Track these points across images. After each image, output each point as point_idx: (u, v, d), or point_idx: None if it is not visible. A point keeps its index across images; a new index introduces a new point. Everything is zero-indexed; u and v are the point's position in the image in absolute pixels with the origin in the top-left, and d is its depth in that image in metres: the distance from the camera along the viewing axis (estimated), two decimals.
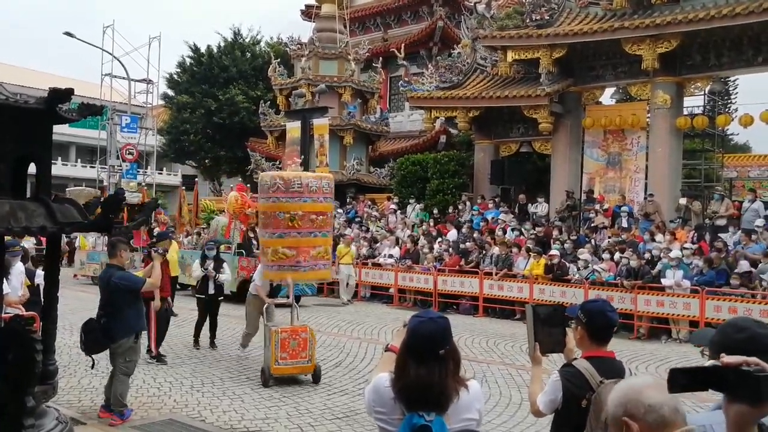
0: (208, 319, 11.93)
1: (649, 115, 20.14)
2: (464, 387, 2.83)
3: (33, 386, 3.38)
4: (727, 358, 1.70)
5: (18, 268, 9.36)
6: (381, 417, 2.87)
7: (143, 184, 34.43)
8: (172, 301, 14.74)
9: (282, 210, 9.19)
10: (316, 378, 9.32)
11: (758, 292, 13.34)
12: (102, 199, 3.93)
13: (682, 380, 1.81)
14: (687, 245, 15.17)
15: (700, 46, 18.72)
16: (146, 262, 10.24)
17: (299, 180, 9.25)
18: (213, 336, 11.98)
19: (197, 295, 12.15)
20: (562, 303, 13.55)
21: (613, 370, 3.55)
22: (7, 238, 4.90)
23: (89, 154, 52.61)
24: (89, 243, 23.63)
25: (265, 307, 10.28)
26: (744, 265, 13.90)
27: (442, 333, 2.81)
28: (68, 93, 3.64)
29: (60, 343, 9.35)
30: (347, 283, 18.84)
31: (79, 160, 55.64)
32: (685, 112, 20.66)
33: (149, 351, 10.62)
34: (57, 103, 3.72)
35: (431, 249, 18.89)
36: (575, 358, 3.69)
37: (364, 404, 3.14)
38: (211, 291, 11.85)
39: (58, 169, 47.32)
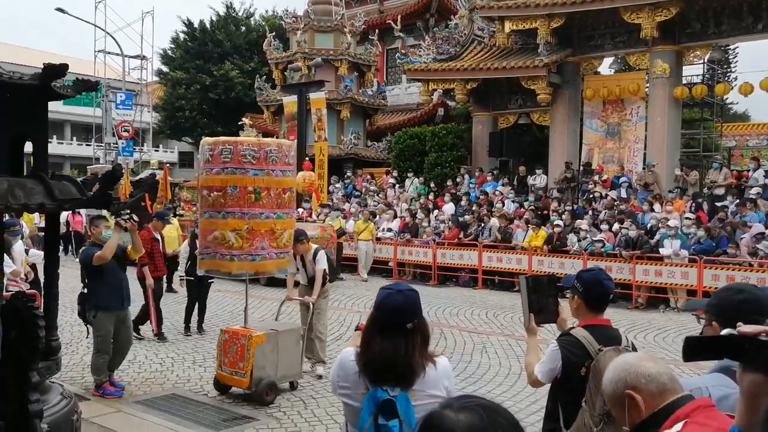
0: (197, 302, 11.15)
1: (648, 84, 20.07)
2: (432, 363, 2.76)
3: (37, 362, 3.40)
4: (743, 327, 1.70)
5: (18, 247, 9.40)
6: (345, 392, 2.82)
7: (164, 161, 34.31)
8: (170, 278, 14.74)
9: (236, 184, 7.22)
10: (258, 399, 7.24)
11: (755, 260, 13.40)
12: (100, 175, 3.92)
13: (696, 349, 1.82)
14: (685, 215, 15.21)
15: (700, 14, 18.59)
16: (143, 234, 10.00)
17: (257, 147, 7.26)
18: (201, 320, 11.20)
19: (186, 277, 11.08)
20: (558, 274, 13.57)
21: (610, 337, 3.58)
22: None
23: (84, 132, 52.45)
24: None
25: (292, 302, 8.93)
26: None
27: (410, 306, 2.74)
28: (63, 69, 3.61)
29: (62, 320, 9.38)
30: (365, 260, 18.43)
31: (74, 138, 55.47)
32: (685, 81, 20.58)
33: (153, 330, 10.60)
34: (52, 79, 3.69)
35: (429, 223, 18.93)
36: (572, 327, 3.71)
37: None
38: (201, 272, 11.09)
39: (54, 147, 47.20)
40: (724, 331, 1.84)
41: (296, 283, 8.93)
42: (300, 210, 18.73)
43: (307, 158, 22.32)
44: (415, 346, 2.71)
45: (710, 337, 2.01)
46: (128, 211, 6.04)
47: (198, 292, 11.11)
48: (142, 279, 10.50)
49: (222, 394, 7.56)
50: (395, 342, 2.69)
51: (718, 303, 2.61)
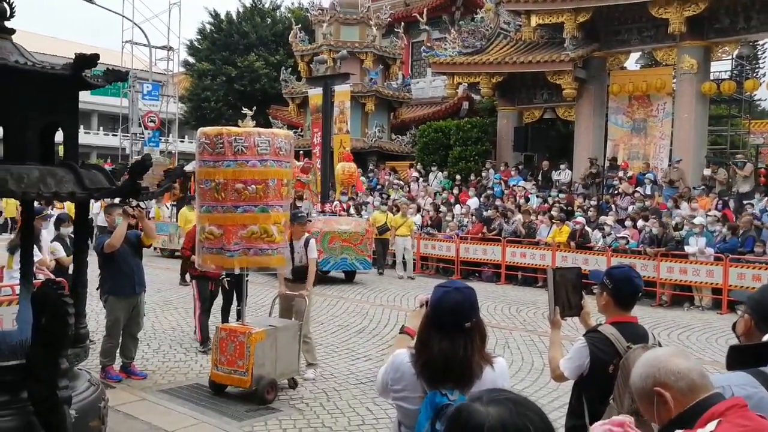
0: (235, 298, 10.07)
1: (675, 80, 19.85)
2: (490, 364, 2.69)
3: (66, 348, 3.44)
4: None
5: (45, 236, 9.52)
6: (400, 395, 2.74)
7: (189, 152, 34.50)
8: (184, 271, 14.64)
9: (207, 178, 7.07)
10: (259, 399, 6.96)
11: None
12: (129, 164, 3.96)
13: (739, 356, 1.81)
14: (711, 212, 15.05)
15: (729, 9, 18.35)
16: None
17: (221, 137, 6.96)
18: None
19: (226, 278, 9.70)
20: (582, 270, 13.49)
21: (637, 335, 3.55)
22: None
23: (111, 122, 52.87)
24: (163, 214, 21.15)
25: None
26: None
27: (469, 304, 2.68)
28: (94, 58, 3.64)
29: (88, 309, 9.48)
30: (403, 257, 17.35)
31: (101, 128, 55.93)
32: (712, 77, 20.32)
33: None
34: (83, 68, 3.72)
35: (453, 217, 18.88)
36: (599, 324, 3.69)
37: (376, 386, 2.97)
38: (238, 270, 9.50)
39: (81, 137, 46.89)
40: (767, 337, 1.82)
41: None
42: (335, 203, 18.65)
43: (347, 149, 22.35)
44: (474, 345, 2.64)
45: (752, 345, 2.00)
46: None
47: (236, 289, 9.75)
48: (193, 276, 9.59)
49: (217, 394, 7.26)
50: (454, 342, 2.61)
51: (758, 298, 2.58)
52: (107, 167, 4.20)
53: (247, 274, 9.79)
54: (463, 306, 2.67)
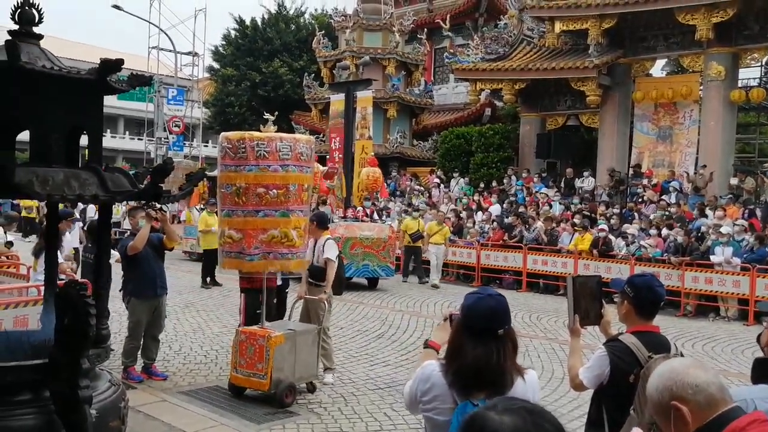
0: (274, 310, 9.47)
1: (701, 87, 19.66)
2: (521, 375, 2.65)
3: (88, 349, 3.47)
4: None
5: (67, 238, 9.61)
6: (430, 406, 2.67)
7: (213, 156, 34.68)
8: (211, 273, 14.83)
9: (228, 182, 7.10)
10: (278, 402, 6.97)
11: None
12: (151, 168, 4.00)
13: (765, 369, 1.79)
14: (738, 222, 14.85)
15: (758, 15, 18.15)
16: None
17: (244, 142, 6.96)
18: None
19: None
20: (604, 279, 13.36)
21: (659, 344, 3.50)
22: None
23: (137, 126, 53.41)
24: (194, 217, 20.87)
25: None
26: None
27: (502, 311, 2.64)
28: (118, 63, 3.69)
29: (110, 310, 9.56)
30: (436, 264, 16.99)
31: (127, 132, 56.54)
32: (741, 84, 20.09)
33: None
34: (108, 73, 3.77)
35: (474, 223, 18.79)
36: (620, 333, 3.64)
37: (404, 400, 2.92)
38: (279, 281, 9.19)
39: (107, 141, 48.00)
40: None
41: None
42: (359, 208, 18.63)
43: (369, 155, 22.37)
44: (507, 352, 2.60)
45: None
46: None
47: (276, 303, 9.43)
48: (242, 289, 8.80)
49: (236, 397, 7.28)
50: (487, 348, 2.56)
51: None
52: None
53: (287, 287, 9.98)
54: (498, 312, 2.63)
